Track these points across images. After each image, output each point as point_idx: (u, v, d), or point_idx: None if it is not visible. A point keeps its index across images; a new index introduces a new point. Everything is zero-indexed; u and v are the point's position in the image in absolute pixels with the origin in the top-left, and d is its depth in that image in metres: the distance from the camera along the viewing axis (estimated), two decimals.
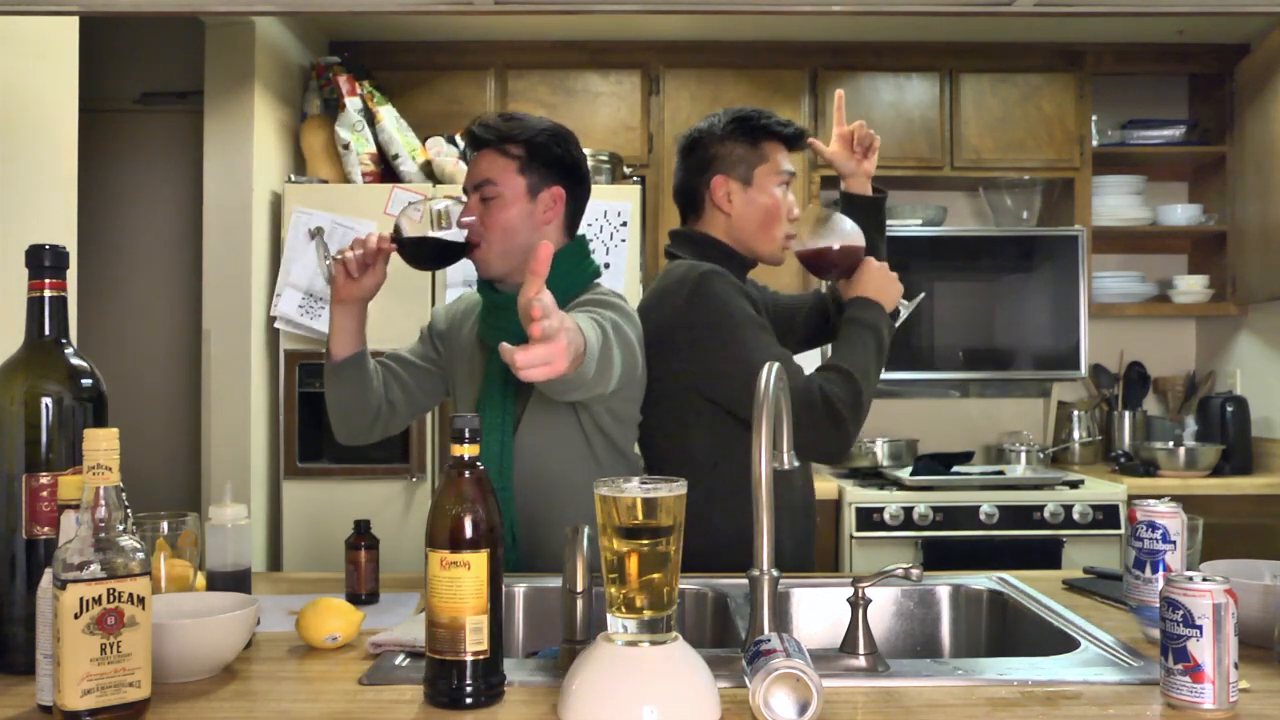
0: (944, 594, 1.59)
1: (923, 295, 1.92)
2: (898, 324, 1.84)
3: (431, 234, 1.69)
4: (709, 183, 1.86)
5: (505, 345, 1.17)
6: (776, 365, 1.26)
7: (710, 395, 1.75)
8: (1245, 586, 1.19)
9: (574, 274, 1.74)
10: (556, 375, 1.22)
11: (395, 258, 1.71)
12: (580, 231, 1.81)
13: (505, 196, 1.71)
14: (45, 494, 1.14)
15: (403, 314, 2.93)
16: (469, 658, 1.04)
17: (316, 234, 3.14)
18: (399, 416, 1.86)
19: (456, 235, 1.70)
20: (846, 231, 1.79)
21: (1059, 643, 1.32)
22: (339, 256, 1.68)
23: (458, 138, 3.36)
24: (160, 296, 3.68)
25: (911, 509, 3.17)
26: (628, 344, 1.59)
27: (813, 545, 1.92)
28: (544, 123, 1.75)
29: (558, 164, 1.73)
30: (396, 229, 1.70)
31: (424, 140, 3.37)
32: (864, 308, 1.78)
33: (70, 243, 2.18)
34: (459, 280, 3.12)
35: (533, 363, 1.18)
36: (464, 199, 1.75)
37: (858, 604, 1.24)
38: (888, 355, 1.79)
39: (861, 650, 1.21)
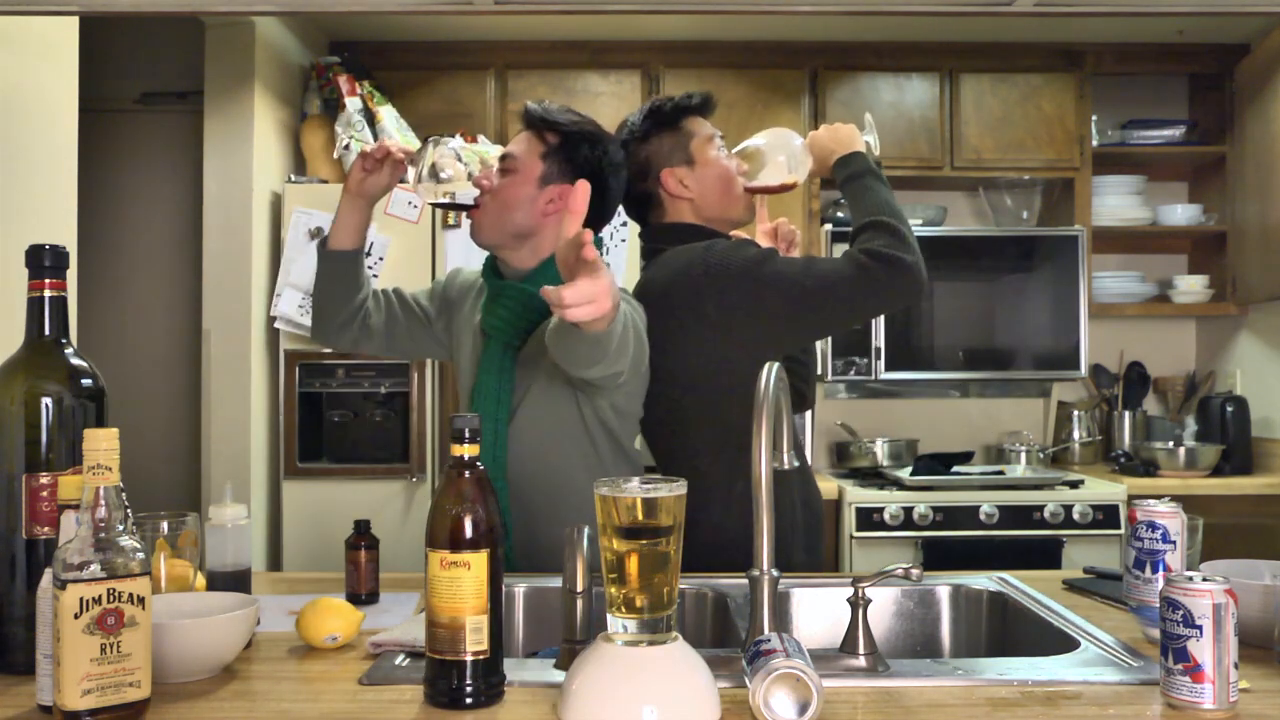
0: (944, 594, 1.59)
1: (867, 114, 1.96)
2: (877, 153, 1.88)
3: (442, 192, 1.75)
4: (658, 180, 1.87)
5: (548, 288, 1.20)
6: (776, 365, 1.26)
7: (797, 332, 1.78)
8: (1245, 586, 1.19)
9: None
10: (601, 316, 1.24)
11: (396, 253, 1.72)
12: (600, 235, 1.83)
13: (518, 175, 1.74)
14: (45, 494, 1.14)
15: None
16: (469, 658, 1.04)
17: (316, 234, 3.14)
18: (374, 339, 1.88)
19: (466, 196, 1.75)
20: (791, 149, 1.87)
21: (1059, 643, 1.31)
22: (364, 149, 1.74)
23: (459, 137, 3.37)
24: (160, 296, 3.68)
25: (911, 509, 3.16)
26: (638, 331, 1.61)
27: (818, 541, 1.91)
28: (590, 124, 1.77)
29: (583, 164, 1.74)
30: (418, 155, 1.74)
31: (424, 140, 3.37)
32: (846, 164, 1.82)
33: (70, 243, 2.18)
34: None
35: (580, 299, 1.20)
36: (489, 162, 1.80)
37: (858, 604, 1.24)
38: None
39: (861, 650, 1.21)
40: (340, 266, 1.78)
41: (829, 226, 3.55)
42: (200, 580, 1.36)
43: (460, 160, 1.75)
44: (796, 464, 1.29)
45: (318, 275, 1.81)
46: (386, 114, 3.34)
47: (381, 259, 3.15)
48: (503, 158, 1.77)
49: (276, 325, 3.21)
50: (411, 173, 1.75)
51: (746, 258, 1.73)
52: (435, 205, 1.81)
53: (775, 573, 1.20)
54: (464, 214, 1.80)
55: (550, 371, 1.68)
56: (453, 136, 1.81)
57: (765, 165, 1.87)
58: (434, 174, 1.74)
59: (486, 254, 1.84)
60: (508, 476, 1.69)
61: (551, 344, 1.48)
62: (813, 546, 1.87)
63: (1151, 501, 1.27)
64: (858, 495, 3.20)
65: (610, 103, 3.65)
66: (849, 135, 1.85)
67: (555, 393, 1.69)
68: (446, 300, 1.93)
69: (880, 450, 3.61)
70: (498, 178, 1.75)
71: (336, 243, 1.77)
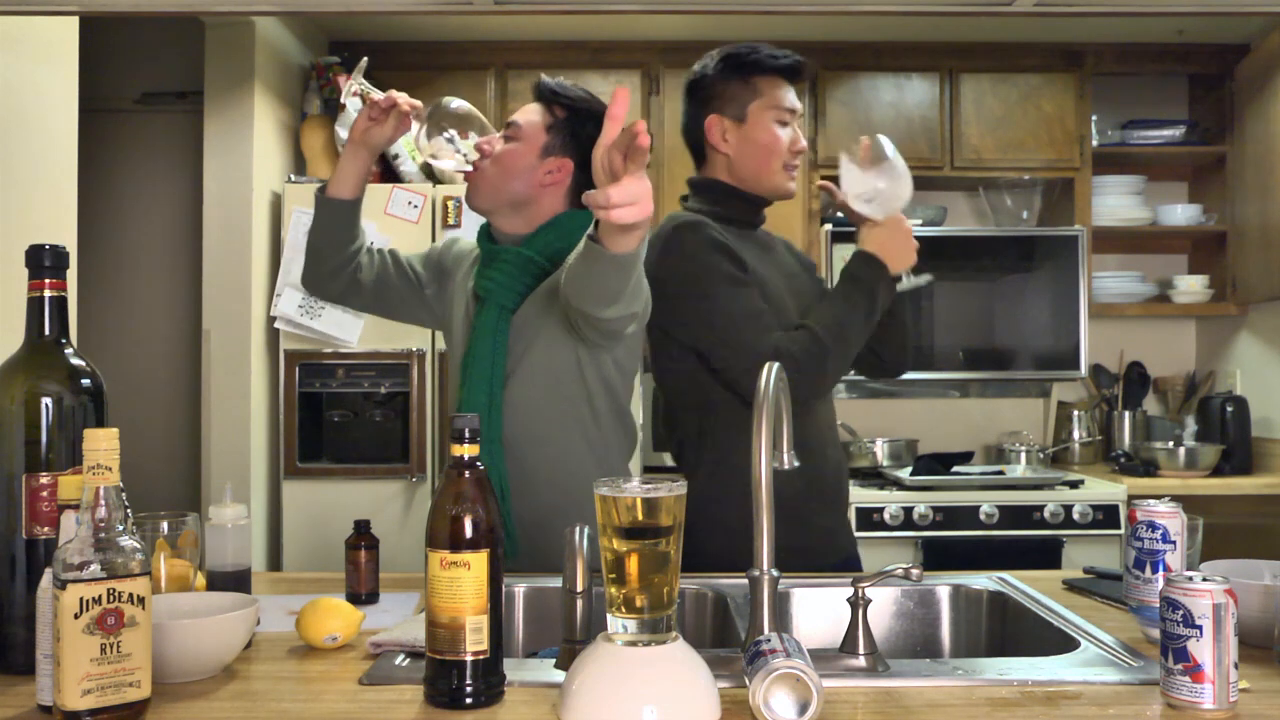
0: (944, 594, 1.59)
1: (930, 278, 1.86)
2: (900, 288, 1.78)
3: (444, 157, 1.75)
4: (704, 123, 1.86)
5: (591, 192, 1.22)
6: (776, 366, 1.26)
7: (685, 341, 1.78)
8: (1245, 586, 1.19)
9: (565, 235, 1.75)
10: (643, 219, 1.25)
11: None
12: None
13: (520, 143, 1.75)
14: (45, 494, 1.14)
15: None
16: (469, 658, 1.04)
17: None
18: (363, 294, 1.87)
19: (464, 161, 1.75)
20: (893, 188, 1.72)
21: (1059, 643, 1.31)
22: (370, 96, 1.75)
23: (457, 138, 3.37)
24: (160, 296, 3.68)
25: (911, 509, 3.16)
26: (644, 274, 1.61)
27: (834, 504, 1.89)
28: (600, 104, 1.77)
29: (587, 141, 1.73)
30: (424, 112, 1.76)
31: (432, 102, 3.37)
32: (865, 264, 1.75)
33: (70, 243, 2.18)
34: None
35: (626, 198, 1.22)
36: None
37: (858, 604, 1.24)
38: (879, 316, 1.76)
39: (861, 650, 1.21)
40: (337, 213, 1.78)
41: (829, 226, 3.55)
42: (200, 580, 1.36)
43: (457, 147, 1.74)
44: (796, 464, 1.28)
45: (314, 221, 1.81)
46: None
47: None
48: (508, 124, 1.78)
49: (276, 325, 3.21)
50: (415, 128, 1.75)
51: (696, 266, 1.74)
52: (435, 163, 1.81)
53: (775, 573, 1.20)
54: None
55: (551, 332, 1.69)
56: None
57: (864, 171, 1.73)
58: (438, 130, 1.74)
59: (481, 223, 1.84)
60: (504, 441, 1.69)
61: (574, 278, 1.49)
62: (832, 507, 1.86)
63: (1151, 501, 1.27)
64: (858, 495, 3.20)
65: None
66: (902, 252, 1.75)
67: (555, 354, 1.70)
68: (441, 267, 1.92)
69: (880, 450, 3.61)
70: (500, 144, 1.76)
71: (335, 190, 1.77)
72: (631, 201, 1.23)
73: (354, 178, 1.77)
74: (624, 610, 1.02)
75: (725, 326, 1.72)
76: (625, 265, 1.40)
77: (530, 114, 1.78)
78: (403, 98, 1.72)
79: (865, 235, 1.77)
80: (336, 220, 1.79)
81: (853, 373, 1.93)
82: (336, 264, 1.82)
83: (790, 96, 1.86)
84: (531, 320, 1.71)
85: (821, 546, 1.86)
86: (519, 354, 1.71)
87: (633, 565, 1.01)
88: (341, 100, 1.79)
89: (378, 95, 1.73)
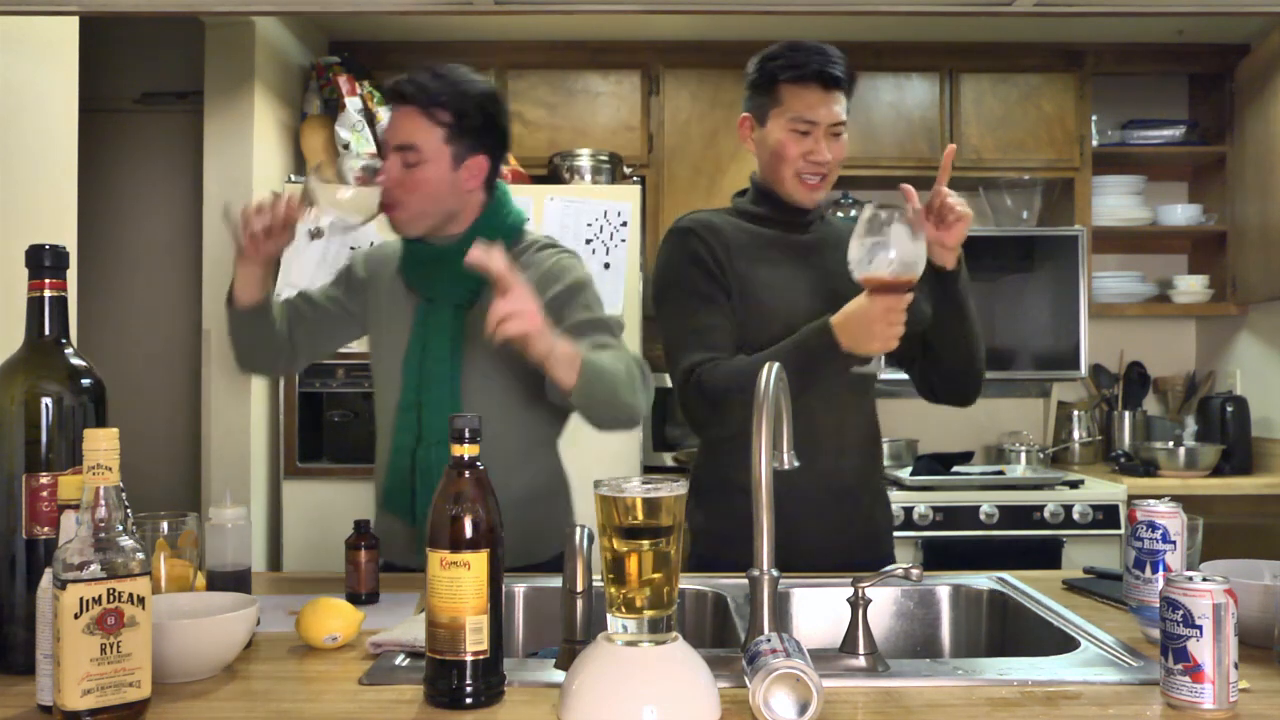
0: (944, 594, 1.59)
1: (878, 370, 1.63)
2: (856, 369, 1.60)
3: (340, 213, 1.68)
4: (739, 121, 1.88)
5: (489, 318, 1.39)
6: (777, 366, 1.25)
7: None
8: (1245, 586, 1.19)
9: (500, 226, 1.75)
10: (532, 331, 1.40)
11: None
12: (499, 181, 1.81)
13: (429, 164, 1.68)
14: (45, 494, 1.14)
15: None
16: (469, 658, 1.04)
17: (316, 234, 3.12)
18: (301, 356, 1.88)
19: (368, 204, 1.68)
20: (894, 248, 1.49)
21: (1059, 643, 1.32)
22: (245, 221, 1.65)
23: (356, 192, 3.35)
24: (160, 296, 3.68)
25: (911, 509, 3.16)
26: (639, 363, 1.66)
27: (850, 520, 1.80)
28: (475, 86, 1.71)
29: (485, 131, 1.71)
30: (307, 195, 1.65)
31: (305, 182, 3.36)
32: (816, 330, 1.60)
33: (70, 243, 2.18)
34: None
35: (508, 309, 1.38)
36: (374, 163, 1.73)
37: (858, 604, 1.24)
38: (821, 381, 1.65)
39: (861, 650, 1.21)
40: (248, 318, 1.77)
41: None
42: (200, 580, 1.36)
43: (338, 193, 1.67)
44: (796, 464, 1.28)
45: (230, 327, 1.79)
46: (386, 114, 3.34)
47: None
48: (401, 148, 1.67)
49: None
50: (312, 213, 1.67)
51: (667, 274, 1.79)
52: (351, 224, 1.73)
53: (775, 573, 1.20)
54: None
55: None
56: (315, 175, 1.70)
57: (859, 235, 1.51)
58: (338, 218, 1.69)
59: None
60: None
61: (585, 418, 1.62)
62: (833, 510, 1.77)
63: (1151, 501, 1.27)
64: None
65: (610, 103, 3.64)
66: (864, 332, 1.55)
67: (504, 348, 1.69)
68: (354, 280, 1.90)
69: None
70: (400, 169, 1.67)
71: (244, 297, 1.74)
72: (513, 313, 1.37)
73: (256, 284, 1.74)
74: (624, 610, 1.02)
75: (668, 337, 1.76)
76: (595, 392, 1.50)
77: (418, 129, 1.67)
78: (283, 205, 1.64)
79: (849, 303, 1.59)
80: (249, 326, 1.78)
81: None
82: (267, 357, 1.83)
83: (817, 107, 1.74)
84: (486, 316, 1.71)
85: (821, 548, 1.80)
86: (473, 350, 1.71)
87: (633, 565, 1.01)
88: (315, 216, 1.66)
89: (261, 219, 1.64)
